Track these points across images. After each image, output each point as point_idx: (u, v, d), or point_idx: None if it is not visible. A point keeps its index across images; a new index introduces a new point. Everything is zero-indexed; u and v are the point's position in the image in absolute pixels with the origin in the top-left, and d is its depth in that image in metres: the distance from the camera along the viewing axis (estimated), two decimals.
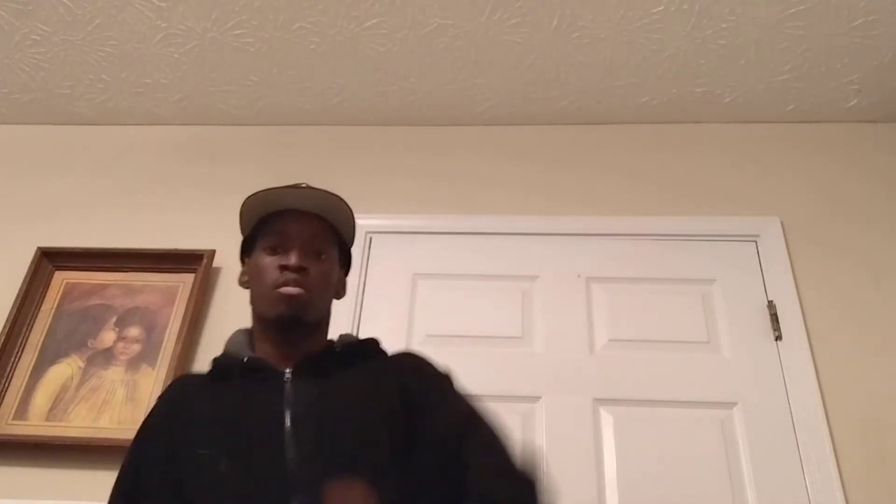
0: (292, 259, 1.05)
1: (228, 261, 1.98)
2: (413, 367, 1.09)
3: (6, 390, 1.78)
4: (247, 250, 1.16)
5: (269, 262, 1.08)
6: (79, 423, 1.73)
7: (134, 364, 1.81)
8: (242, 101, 2.20)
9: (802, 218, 1.95)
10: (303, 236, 1.09)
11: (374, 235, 2.00)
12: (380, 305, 1.88)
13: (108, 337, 1.86)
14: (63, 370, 1.82)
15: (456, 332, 1.83)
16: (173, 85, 2.16)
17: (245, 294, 1.91)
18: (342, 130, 2.25)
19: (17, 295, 1.90)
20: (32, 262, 1.95)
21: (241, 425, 0.98)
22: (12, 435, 1.72)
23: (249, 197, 1.12)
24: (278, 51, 2.01)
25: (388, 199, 2.06)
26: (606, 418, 1.70)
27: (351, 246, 1.20)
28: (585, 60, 1.99)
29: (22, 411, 1.76)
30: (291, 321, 1.05)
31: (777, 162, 2.07)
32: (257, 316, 1.11)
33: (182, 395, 1.09)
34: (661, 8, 1.83)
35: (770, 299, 1.82)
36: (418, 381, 1.06)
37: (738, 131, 2.14)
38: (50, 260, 1.98)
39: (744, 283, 1.86)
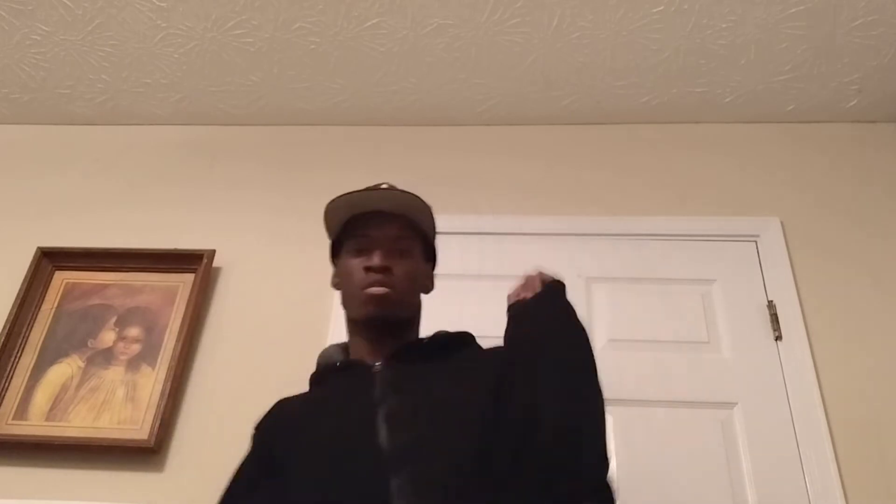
0: (376, 259, 1.09)
1: (228, 261, 1.98)
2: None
3: (6, 390, 1.78)
4: (335, 254, 1.20)
5: (355, 264, 1.12)
6: (79, 423, 1.73)
7: (134, 364, 1.81)
8: (242, 101, 2.20)
9: (802, 218, 1.94)
10: (385, 237, 1.12)
11: None
12: None
13: (108, 337, 1.86)
14: (63, 370, 1.81)
15: None
16: (173, 85, 2.16)
17: (245, 295, 1.93)
18: (342, 130, 2.25)
19: (17, 295, 1.90)
20: (32, 262, 1.95)
21: (332, 414, 1.01)
22: (12, 435, 1.72)
23: (331, 201, 1.16)
24: (278, 51, 2.01)
25: None
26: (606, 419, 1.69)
27: (433, 240, 1.22)
28: (585, 60, 1.99)
29: (22, 411, 1.76)
30: (381, 320, 1.09)
31: (777, 162, 2.07)
32: (349, 318, 1.15)
33: (276, 414, 1.11)
34: (661, 8, 1.83)
35: (770, 299, 1.82)
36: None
37: (738, 131, 2.14)
38: (50, 260, 1.98)
39: (744, 283, 1.86)
